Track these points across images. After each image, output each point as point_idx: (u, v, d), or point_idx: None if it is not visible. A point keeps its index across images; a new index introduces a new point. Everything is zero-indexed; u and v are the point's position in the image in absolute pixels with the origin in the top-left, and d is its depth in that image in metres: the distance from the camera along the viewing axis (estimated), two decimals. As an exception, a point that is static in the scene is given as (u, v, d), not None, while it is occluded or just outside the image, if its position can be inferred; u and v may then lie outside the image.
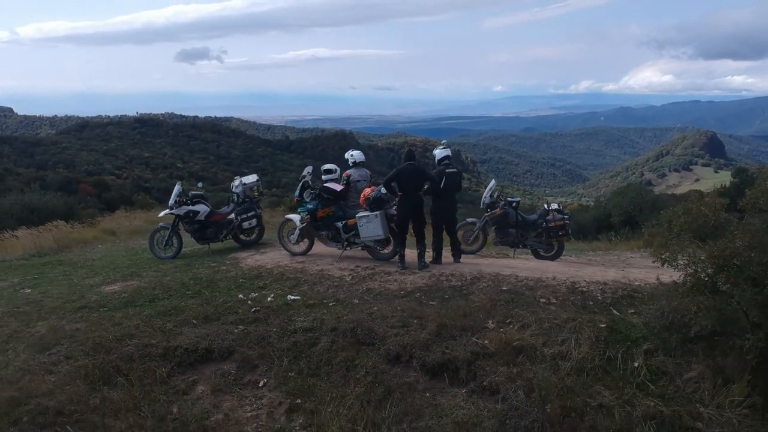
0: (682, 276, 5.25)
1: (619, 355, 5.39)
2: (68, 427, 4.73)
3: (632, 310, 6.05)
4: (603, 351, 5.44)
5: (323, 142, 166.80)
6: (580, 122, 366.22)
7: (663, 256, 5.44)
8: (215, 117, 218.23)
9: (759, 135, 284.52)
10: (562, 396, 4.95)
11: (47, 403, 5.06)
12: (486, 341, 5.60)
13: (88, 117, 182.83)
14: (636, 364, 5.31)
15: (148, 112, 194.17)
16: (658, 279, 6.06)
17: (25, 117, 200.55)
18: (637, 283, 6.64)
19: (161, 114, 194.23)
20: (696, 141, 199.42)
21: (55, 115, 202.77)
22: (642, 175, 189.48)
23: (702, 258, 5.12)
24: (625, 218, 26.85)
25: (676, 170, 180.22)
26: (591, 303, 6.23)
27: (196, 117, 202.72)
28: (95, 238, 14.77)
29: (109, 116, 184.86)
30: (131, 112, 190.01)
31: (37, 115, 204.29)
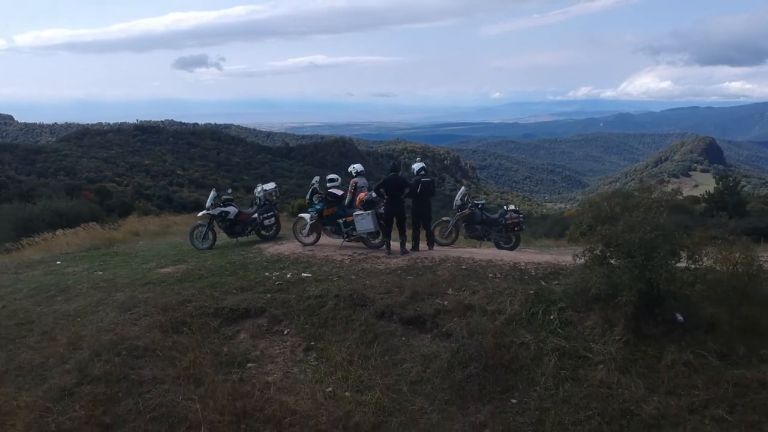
0: (584, 251, 7.48)
1: (540, 311, 7.59)
2: (158, 352, 6.95)
3: (556, 282, 8.25)
4: (529, 308, 7.64)
5: (323, 149, 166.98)
6: (580, 128, 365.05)
7: (568, 236, 7.68)
8: (215, 124, 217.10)
9: (758, 141, 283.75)
10: (496, 336, 7.15)
11: (137, 343, 7.26)
12: (446, 302, 7.80)
13: (88, 124, 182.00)
14: (552, 317, 7.52)
15: (147, 119, 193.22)
16: (573, 259, 8.24)
17: (26, 125, 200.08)
18: (563, 263, 8.83)
19: (161, 121, 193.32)
20: (695, 147, 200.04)
21: (55, 123, 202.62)
22: (641, 181, 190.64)
23: (595, 238, 7.36)
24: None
25: (675, 176, 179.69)
26: (526, 277, 8.43)
27: (195, 124, 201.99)
28: (123, 238, 16.89)
29: (109, 123, 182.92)
30: (131, 120, 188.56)
31: (37, 122, 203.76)
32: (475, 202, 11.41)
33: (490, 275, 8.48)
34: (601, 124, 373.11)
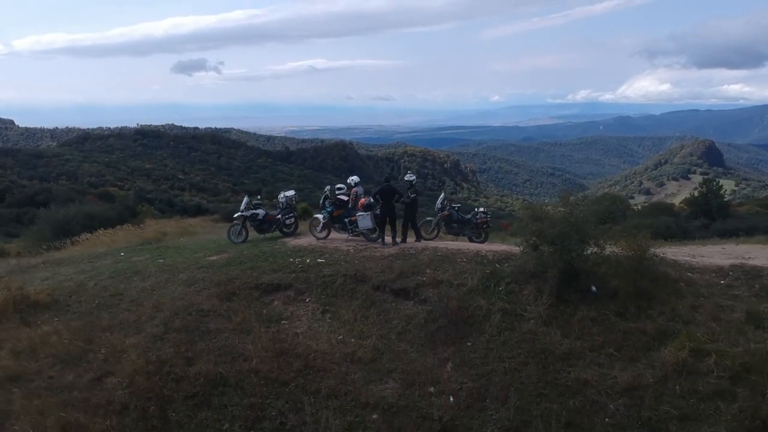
0: (522, 241, 10.38)
1: (492, 284, 10.45)
2: (218, 313, 9.83)
3: (506, 264, 11.10)
4: (485, 282, 10.50)
5: (323, 153, 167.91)
6: (579, 131, 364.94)
7: (511, 231, 10.57)
8: (215, 128, 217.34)
9: (757, 143, 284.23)
10: (459, 301, 10.00)
11: (202, 306, 10.15)
12: (424, 278, 10.68)
13: (88, 129, 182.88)
14: (500, 288, 10.37)
15: (148, 123, 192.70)
16: (519, 247, 11.07)
17: (26, 129, 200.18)
18: (514, 251, 11.69)
19: (161, 125, 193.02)
20: (694, 150, 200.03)
21: (56, 127, 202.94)
22: (641, 184, 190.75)
23: (529, 232, 10.26)
24: (600, 224, 31.11)
25: (675, 179, 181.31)
26: (485, 261, 11.31)
27: (196, 128, 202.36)
28: (156, 237, 19.65)
29: (109, 128, 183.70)
30: (131, 124, 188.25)
31: (38, 127, 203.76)
32: (453, 205, 14.33)
33: (458, 260, 11.37)
34: (601, 127, 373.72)
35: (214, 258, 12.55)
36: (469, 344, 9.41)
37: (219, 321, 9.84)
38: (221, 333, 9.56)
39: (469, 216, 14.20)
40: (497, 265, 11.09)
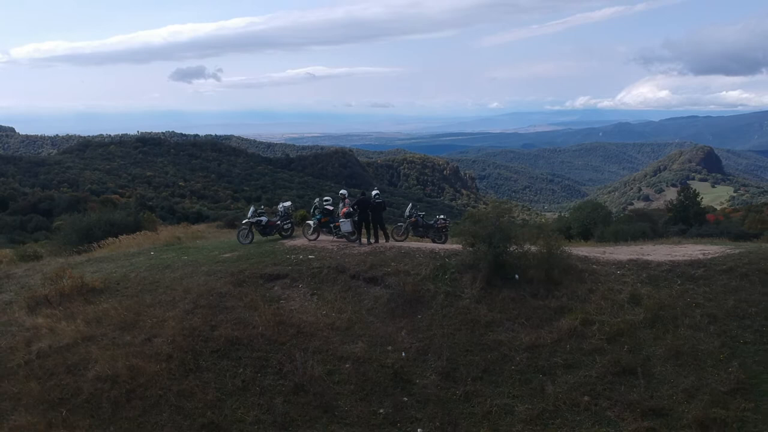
0: (462, 240, 13.72)
1: (441, 273, 13.75)
2: (233, 295, 13.15)
3: (453, 258, 14.40)
4: (435, 272, 13.80)
5: (323, 160, 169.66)
6: (579, 138, 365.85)
7: (455, 232, 13.90)
8: (215, 135, 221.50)
9: (756, 150, 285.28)
10: (414, 286, 13.31)
11: (221, 290, 13.44)
12: (389, 269, 13.99)
13: (89, 136, 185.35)
14: (446, 276, 13.68)
15: (148, 131, 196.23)
16: (463, 246, 14.36)
17: (27, 137, 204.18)
18: (461, 248, 15.00)
19: (162, 133, 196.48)
20: (693, 156, 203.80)
21: (57, 135, 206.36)
22: (640, 190, 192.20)
23: (468, 232, 13.59)
24: (582, 229, 33.13)
25: (674, 185, 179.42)
26: (438, 256, 14.60)
27: (196, 135, 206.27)
28: (172, 241, 22.92)
29: (110, 135, 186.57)
30: (132, 131, 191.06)
31: (39, 134, 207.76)
32: (418, 213, 17.69)
33: (417, 256, 14.70)
34: (601, 134, 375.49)
35: (227, 255, 15.88)
36: (419, 317, 12.72)
37: (233, 300, 13.13)
38: (235, 309, 12.85)
39: (432, 221, 17.55)
40: (446, 259, 14.40)
